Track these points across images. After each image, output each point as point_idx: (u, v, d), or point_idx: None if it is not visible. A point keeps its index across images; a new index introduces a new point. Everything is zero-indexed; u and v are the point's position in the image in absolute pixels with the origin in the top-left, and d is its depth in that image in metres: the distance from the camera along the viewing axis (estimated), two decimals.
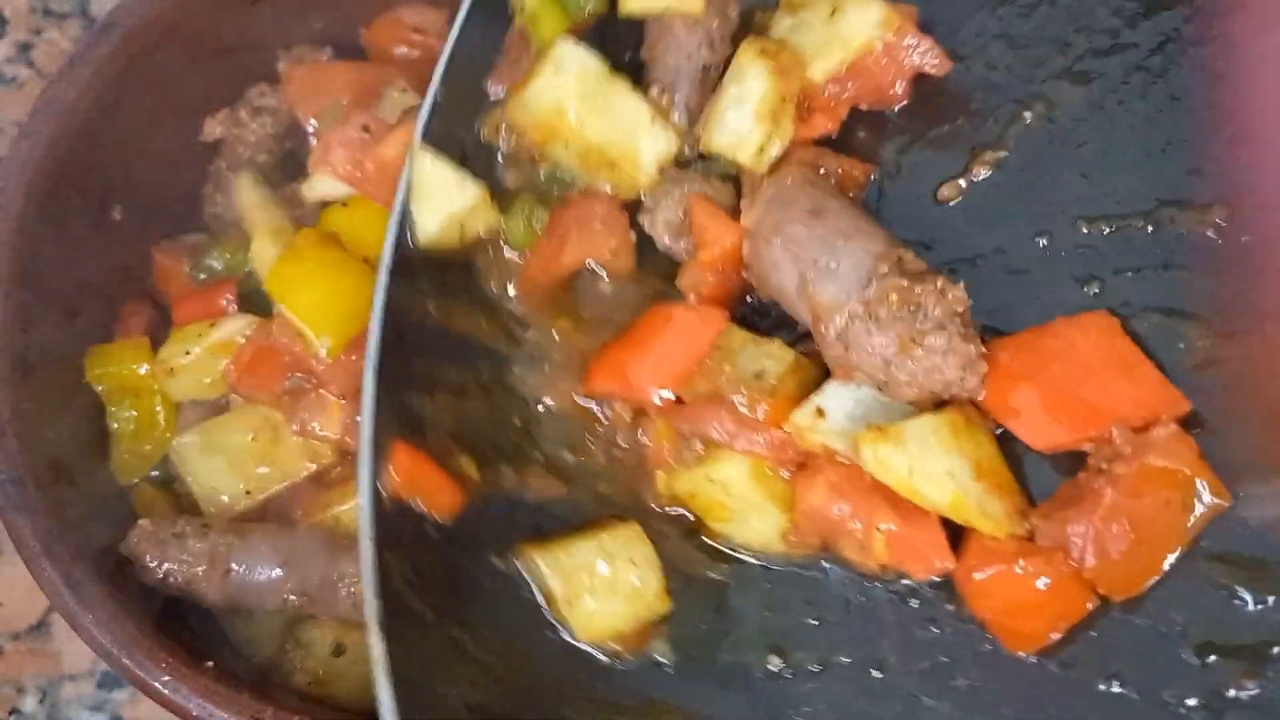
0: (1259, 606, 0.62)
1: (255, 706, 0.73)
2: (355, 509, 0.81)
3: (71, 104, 0.84)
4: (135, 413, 0.88)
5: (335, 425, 0.82)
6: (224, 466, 0.84)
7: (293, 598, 0.78)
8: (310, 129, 0.88)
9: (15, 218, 0.82)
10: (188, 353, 0.86)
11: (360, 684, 0.80)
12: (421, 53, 0.93)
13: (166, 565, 0.78)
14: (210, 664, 0.76)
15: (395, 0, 0.93)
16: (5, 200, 0.82)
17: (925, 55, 0.73)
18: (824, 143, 0.75)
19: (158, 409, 0.88)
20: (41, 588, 0.76)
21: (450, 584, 0.67)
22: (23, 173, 0.82)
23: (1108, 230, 0.69)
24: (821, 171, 0.73)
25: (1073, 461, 0.66)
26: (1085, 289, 0.69)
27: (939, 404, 0.67)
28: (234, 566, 0.78)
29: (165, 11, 0.87)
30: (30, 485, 0.78)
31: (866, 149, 0.76)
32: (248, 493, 0.84)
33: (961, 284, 0.64)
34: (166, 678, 0.74)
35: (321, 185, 0.84)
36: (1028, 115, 0.73)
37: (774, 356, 0.70)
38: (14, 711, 0.91)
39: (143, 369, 0.88)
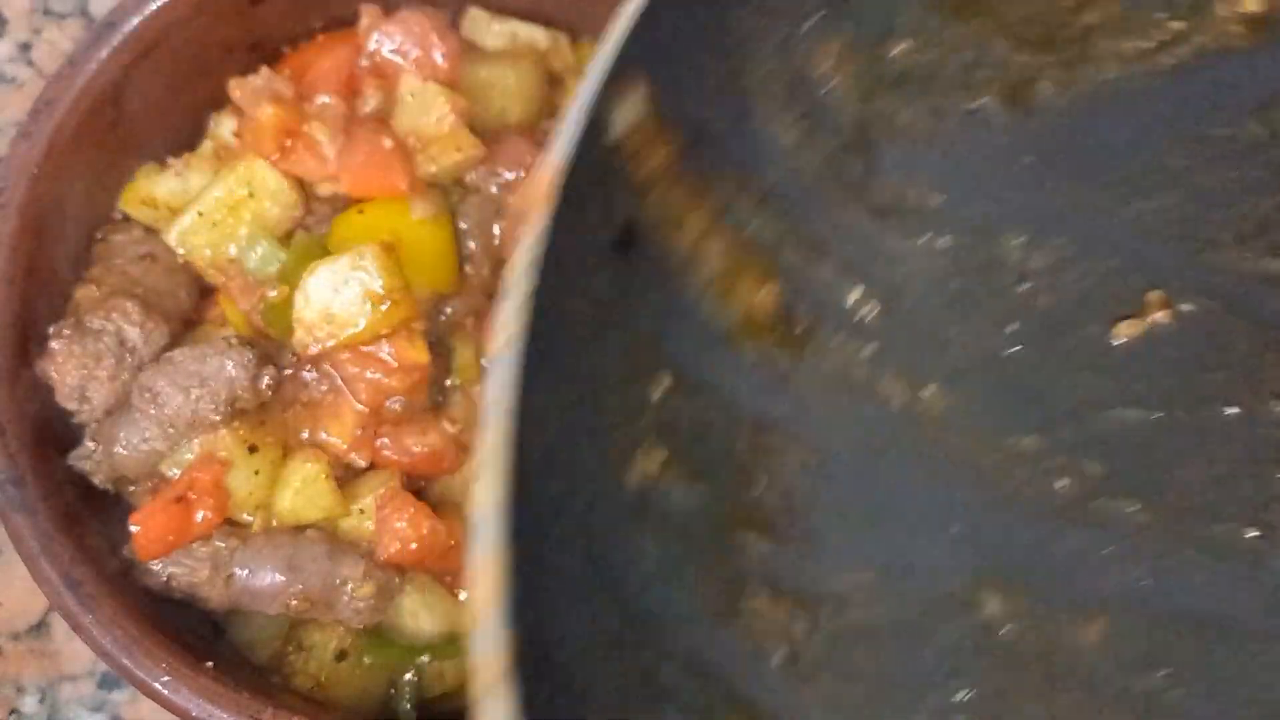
0: None
1: (255, 706, 0.74)
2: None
3: (71, 104, 0.84)
4: None
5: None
6: None
7: (295, 602, 0.78)
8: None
9: (16, 219, 0.81)
10: None
11: (361, 689, 0.80)
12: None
13: (169, 570, 0.78)
14: (210, 664, 0.75)
15: (397, 1, 0.92)
16: (5, 200, 0.81)
17: None
18: None
19: None
20: (41, 588, 0.75)
21: None
22: (23, 173, 0.82)
23: None
24: None
25: None
26: None
27: None
28: (237, 571, 0.78)
29: (165, 11, 0.86)
30: (30, 485, 0.77)
31: None
32: None
33: None
34: (166, 678, 0.74)
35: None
36: None
37: None
38: (14, 712, 0.91)
39: None
